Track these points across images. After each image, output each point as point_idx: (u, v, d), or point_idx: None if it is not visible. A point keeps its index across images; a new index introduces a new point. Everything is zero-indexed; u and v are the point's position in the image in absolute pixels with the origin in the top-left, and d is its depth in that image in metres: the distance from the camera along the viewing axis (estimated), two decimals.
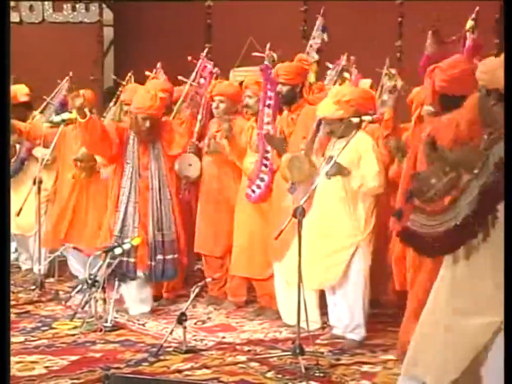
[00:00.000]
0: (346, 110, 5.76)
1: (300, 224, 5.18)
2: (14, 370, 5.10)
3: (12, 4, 11.24)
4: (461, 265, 3.74)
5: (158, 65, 7.82)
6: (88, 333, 6.09)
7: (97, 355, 5.60)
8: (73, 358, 5.52)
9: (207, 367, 5.31)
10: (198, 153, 7.09)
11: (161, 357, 5.52)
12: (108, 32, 12.70)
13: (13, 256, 8.34)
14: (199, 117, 7.24)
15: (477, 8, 5.58)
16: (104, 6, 12.35)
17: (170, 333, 5.71)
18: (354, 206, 5.71)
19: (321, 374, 5.12)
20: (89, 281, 6.16)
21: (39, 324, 6.42)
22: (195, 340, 5.98)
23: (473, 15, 5.66)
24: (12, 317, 6.26)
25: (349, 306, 5.74)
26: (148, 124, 6.49)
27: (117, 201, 6.61)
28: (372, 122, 5.95)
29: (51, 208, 8.04)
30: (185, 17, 11.55)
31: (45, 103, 8.38)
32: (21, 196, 7.69)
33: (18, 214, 7.46)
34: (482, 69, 3.74)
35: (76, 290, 6.56)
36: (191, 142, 7.02)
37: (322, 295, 6.05)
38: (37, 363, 5.41)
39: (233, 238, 6.77)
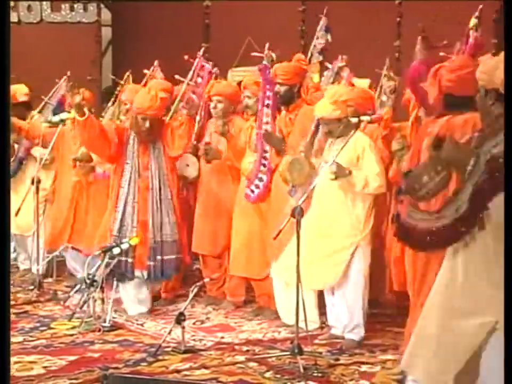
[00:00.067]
0: (343, 110, 5.76)
1: (298, 224, 5.19)
2: (13, 370, 5.09)
3: (10, 3, 11.23)
4: (458, 266, 3.75)
5: (156, 63, 7.82)
6: (87, 333, 6.09)
7: (96, 355, 5.59)
8: (72, 358, 5.52)
9: (205, 367, 5.31)
10: (197, 153, 7.09)
11: (160, 357, 5.52)
12: (106, 32, 12.70)
13: (11, 256, 8.33)
14: (198, 117, 7.25)
15: (481, 6, 5.56)
16: (102, 6, 12.35)
17: (169, 333, 5.72)
18: (353, 205, 5.71)
19: (320, 374, 5.12)
20: (88, 281, 6.16)
21: (38, 324, 6.42)
22: (194, 340, 5.98)
23: (477, 13, 5.64)
24: (11, 317, 6.25)
25: (348, 306, 5.74)
26: (147, 124, 6.49)
27: (116, 200, 6.61)
28: (370, 122, 5.96)
29: (49, 208, 8.05)
30: (183, 17, 11.55)
31: (43, 103, 8.39)
32: (20, 196, 7.69)
33: (16, 214, 7.46)
34: (482, 69, 3.75)
35: (75, 290, 6.56)
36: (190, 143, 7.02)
37: (321, 295, 6.05)
38: (36, 363, 5.41)
39: (232, 238, 6.77)
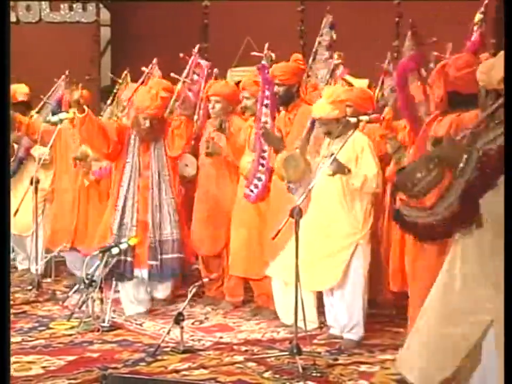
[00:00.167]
0: (341, 110, 5.77)
1: (297, 224, 5.18)
2: (11, 370, 5.08)
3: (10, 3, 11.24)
4: (456, 266, 3.76)
5: (154, 61, 7.82)
6: (86, 333, 6.09)
7: (95, 355, 5.59)
8: (71, 358, 5.51)
9: (204, 367, 5.30)
10: (195, 153, 7.10)
11: (159, 357, 5.51)
12: (105, 32, 12.71)
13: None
14: (195, 117, 7.25)
15: (486, 1, 5.55)
16: (101, 5, 12.36)
17: (168, 333, 5.71)
18: (352, 205, 5.71)
19: (319, 374, 5.12)
20: (87, 281, 6.16)
21: (36, 324, 6.42)
22: (192, 340, 5.97)
23: (482, 9, 5.63)
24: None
25: (347, 306, 5.73)
26: (147, 123, 6.49)
27: (116, 199, 6.61)
28: (369, 122, 5.95)
29: (49, 208, 8.04)
30: (182, 17, 11.55)
31: (42, 103, 8.39)
32: (19, 196, 7.69)
33: (15, 214, 7.45)
34: (481, 69, 3.76)
35: (73, 290, 6.55)
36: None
37: (320, 295, 6.05)
38: (34, 363, 5.41)
39: (232, 238, 6.77)
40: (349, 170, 5.59)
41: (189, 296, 5.80)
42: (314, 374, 5.11)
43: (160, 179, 6.60)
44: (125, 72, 8.20)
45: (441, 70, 4.54)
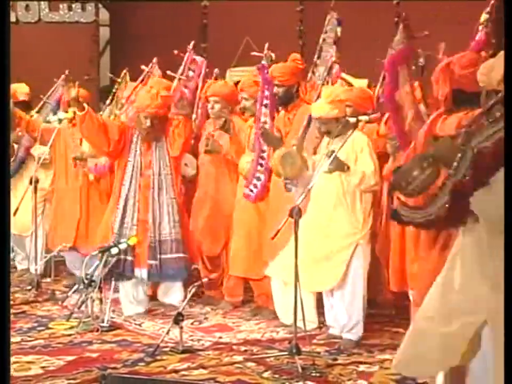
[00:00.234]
0: (341, 109, 5.77)
1: (296, 224, 5.18)
2: (11, 370, 5.09)
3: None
4: (456, 265, 3.76)
5: (154, 60, 7.81)
6: (85, 333, 6.09)
7: (94, 355, 5.59)
8: (70, 358, 5.51)
9: (203, 367, 5.30)
10: (194, 153, 7.10)
11: (158, 357, 5.51)
12: (104, 32, 12.71)
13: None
14: (194, 116, 7.24)
15: (492, 1, 5.55)
16: (100, 5, 12.37)
17: (167, 333, 5.71)
18: (352, 204, 5.70)
19: (318, 374, 5.12)
20: (86, 281, 6.15)
21: (36, 324, 6.42)
22: (192, 340, 5.97)
23: (488, 9, 5.62)
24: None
25: (347, 306, 5.73)
26: (148, 122, 6.48)
27: (118, 198, 6.60)
28: (369, 122, 5.95)
29: (48, 208, 8.04)
30: (181, 17, 11.55)
31: (41, 102, 8.39)
32: (20, 196, 7.69)
33: (14, 214, 7.45)
34: (481, 70, 3.76)
35: (73, 290, 6.55)
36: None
37: (319, 295, 6.04)
38: (33, 363, 5.40)
39: (232, 238, 6.77)
40: (348, 168, 5.59)
41: (188, 296, 5.80)
42: (313, 374, 5.11)
43: (162, 178, 6.59)
44: (124, 71, 8.20)
45: (446, 68, 4.52)
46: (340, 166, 5.55)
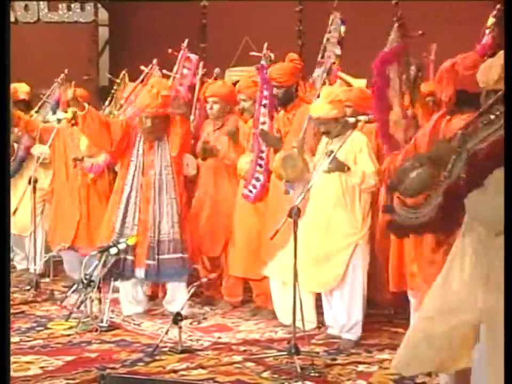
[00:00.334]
0: (340, 109, 5.77)
1: (295, 224, 5.18)
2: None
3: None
4: (455, 265, 3.77)
5: (154, 61, 7.81)
6: (84, 333, 6.09)
7: (93, 355, 5.59)
8: (69, 358, 5.51)
9: (202, 367, 5.30)
10: (194, 153, 7.09)
11: (157, 357, 5.51)
12: (103, 32, 12.72)
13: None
14: (192, 117, 7.24)
15: (498, 5, 5.54)
16: (99, 5, 12.37)
17: (166, 333, 5.71)
18: (351, 204, 5.70)
19: (317, 374, 5.12)
20: (85, 281, 6.15)
21: (34, 324, 6.42)
22: (191, 340, 5.97)
23: (494, 12, 5.61)
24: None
25: (346, 306, 5.73)
26: (149, 122, 6.48)
27: (120, 198, 6.60)
28: (368, 122, 5.95)
29: (48, 208, 8.03)
30: (180, 17, 11.54)
31: (41, 102, 8.38)
32: (20, 195, 7.69)
33: (14, 214, 7.45)
34: (480, 70, 3.75)
35: (72, 290, 6.54)
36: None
37: (318, 295, 6.05)
38: (32, 363, 5.41)
39: (232, 239, 6.77)
40: (349, 168, 5.59)
41: (187, 296, 5.79)
42: (312, 374, 5.11)
43: (162, 178, 6.58)
44: (123, 72, 8.19)
45: (451, 68, 4.52)
46: (339, 166, 5.55)
